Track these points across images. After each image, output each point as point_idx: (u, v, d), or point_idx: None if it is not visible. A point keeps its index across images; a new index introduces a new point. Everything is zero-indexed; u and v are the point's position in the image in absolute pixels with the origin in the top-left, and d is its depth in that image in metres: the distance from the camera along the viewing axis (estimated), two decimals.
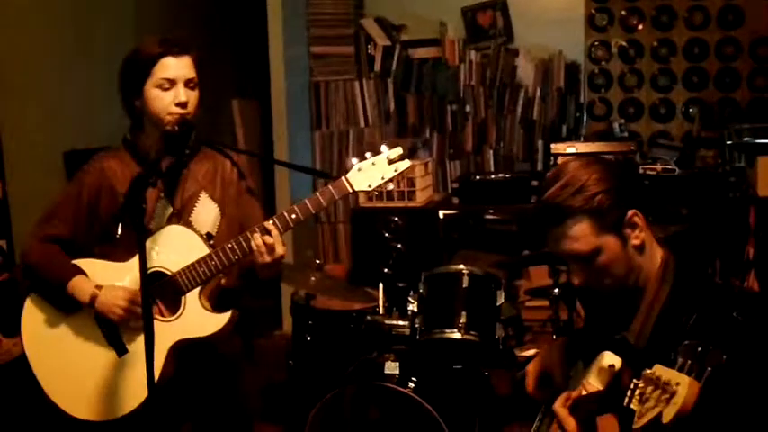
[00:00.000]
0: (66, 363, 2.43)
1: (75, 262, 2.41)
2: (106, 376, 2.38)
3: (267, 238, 2.26)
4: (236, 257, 2.31)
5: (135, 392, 2.32)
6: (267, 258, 2.27)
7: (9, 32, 3.79)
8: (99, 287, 2.35)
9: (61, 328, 2.44)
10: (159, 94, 2.33)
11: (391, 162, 2.28)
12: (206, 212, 2.45)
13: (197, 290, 2.33)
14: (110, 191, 2.39)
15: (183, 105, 2.33)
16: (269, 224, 2.28)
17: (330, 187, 2.29)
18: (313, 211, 2.30)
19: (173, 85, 2.33)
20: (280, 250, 2.28)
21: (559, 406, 1.74)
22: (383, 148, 2.32)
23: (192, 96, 2.36)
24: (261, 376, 4.07)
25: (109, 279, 2.38)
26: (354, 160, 2.31)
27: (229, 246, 2.30)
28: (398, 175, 2.29)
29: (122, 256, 2.37)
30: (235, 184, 2.51)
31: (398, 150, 2.30)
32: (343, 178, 2.29)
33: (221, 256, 2.31)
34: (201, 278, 2.32)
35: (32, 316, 2.47)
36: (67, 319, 2.43)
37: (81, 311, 2.40)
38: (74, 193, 2.44)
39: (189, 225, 2.40)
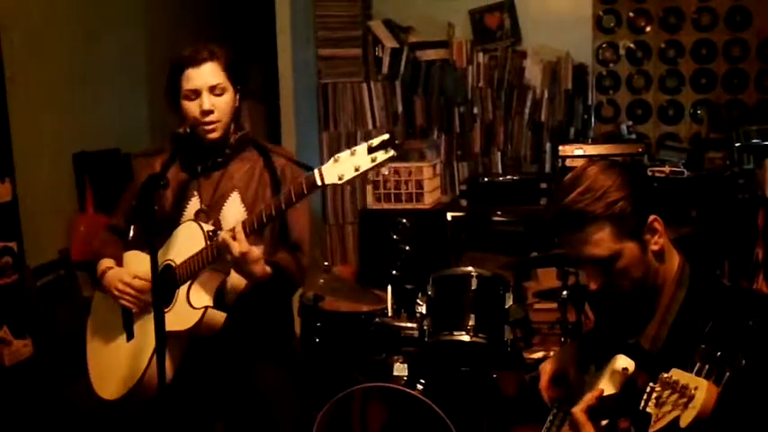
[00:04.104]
0: (97, 345, 2.56)
1: (127, 253, 2.53)
2: (116, 358, 2.47)
3: (226, 235, 2.24)
4: (217, 253, 2.30)
5: (130, 375, 2.39)
6: (228, 256, 2.25)
7: (19, 34, 3.80)
8: (111, 267, 2.48)
9: (100, 311, 2.60)
10: (188, 104, 2.45)
11: (371, 151, 2.04)
12: (233, 213, 2.50)
13: (187, 283, 2.37)
14: None
15: (206, 113, 2.42)
16: (236, 225, 2.25)
17: (302, 180, 2.19)
18: (284, 206, 2.22)
19: (197, 95, 2.43)
20: (236, 249, 2.21)
21: (580, 411, 1.72)
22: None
23: (219, 102, 2.45)
24: None
25: (139, 267, 2.45)
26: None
27: (215, 241, 2.32)
28: (376, 165, 2.04)
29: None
30: (269, 189, 2.53)
31: (382, 137, 2.05)
32: (315, 170, 2.13)
33: (207, 251, 2.32)
34: (192, 272, 2.35)
35: (95, 302, 2.64)
36: (105, 301, 2.56)
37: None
38: (132, 188, 2.64)
39: (216, 222, 2.47)
